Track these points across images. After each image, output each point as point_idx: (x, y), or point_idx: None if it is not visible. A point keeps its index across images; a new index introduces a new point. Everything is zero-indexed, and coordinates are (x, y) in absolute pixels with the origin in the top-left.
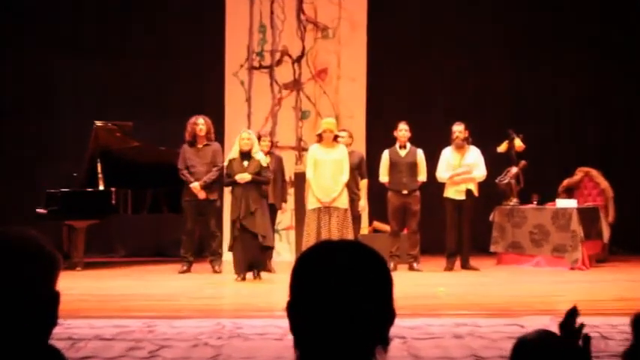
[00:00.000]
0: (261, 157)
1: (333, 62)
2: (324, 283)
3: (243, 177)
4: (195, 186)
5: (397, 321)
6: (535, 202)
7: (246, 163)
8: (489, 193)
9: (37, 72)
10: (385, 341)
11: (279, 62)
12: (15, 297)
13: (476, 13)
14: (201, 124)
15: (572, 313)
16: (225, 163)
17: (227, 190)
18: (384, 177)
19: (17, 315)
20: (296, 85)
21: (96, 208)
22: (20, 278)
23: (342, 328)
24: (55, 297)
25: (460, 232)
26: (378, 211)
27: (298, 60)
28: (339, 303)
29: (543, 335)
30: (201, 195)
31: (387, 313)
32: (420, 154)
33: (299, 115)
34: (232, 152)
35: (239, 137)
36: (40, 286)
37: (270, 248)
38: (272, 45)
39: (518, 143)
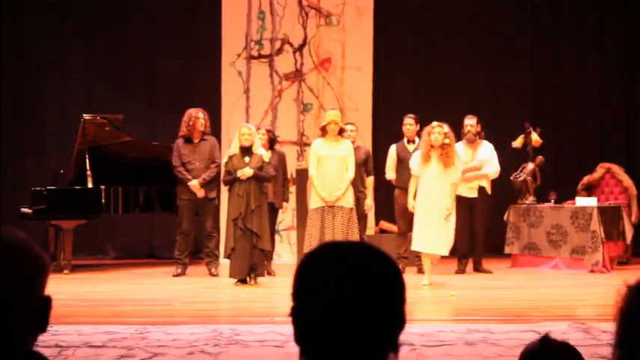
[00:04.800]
0: (262, 153)
1: (338, 51)
2: (330, 287)
3: (245, 172)
4: (194, 184)
5: (406, 327)
6: (553, 201)
7: (247, 159)
8: (504, 191)
9: (19, 62)
10: (395, 347)
11: (279, 51)
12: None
13: None
14: (202, 117)
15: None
16: (225, 160)
17: (223, 188)
18: (391, 174)
19: (2, 320)
20: (298, 75)
21: (84, 207)
22: (6, 281)
23: (351, 336)
24: (45, 302)
25: (472, 233)
26: (385, 210)
27: (300, 49)
28: (347, 309)
29: (545, 343)
30: (201, 193)
31: (397, 318)
32: None
33: (301, 108)
34: (232, 148)
35: (239, 132)
36: (27, 291)
37: (264, 251)
38: (272, 33)
39: (535, 138)
